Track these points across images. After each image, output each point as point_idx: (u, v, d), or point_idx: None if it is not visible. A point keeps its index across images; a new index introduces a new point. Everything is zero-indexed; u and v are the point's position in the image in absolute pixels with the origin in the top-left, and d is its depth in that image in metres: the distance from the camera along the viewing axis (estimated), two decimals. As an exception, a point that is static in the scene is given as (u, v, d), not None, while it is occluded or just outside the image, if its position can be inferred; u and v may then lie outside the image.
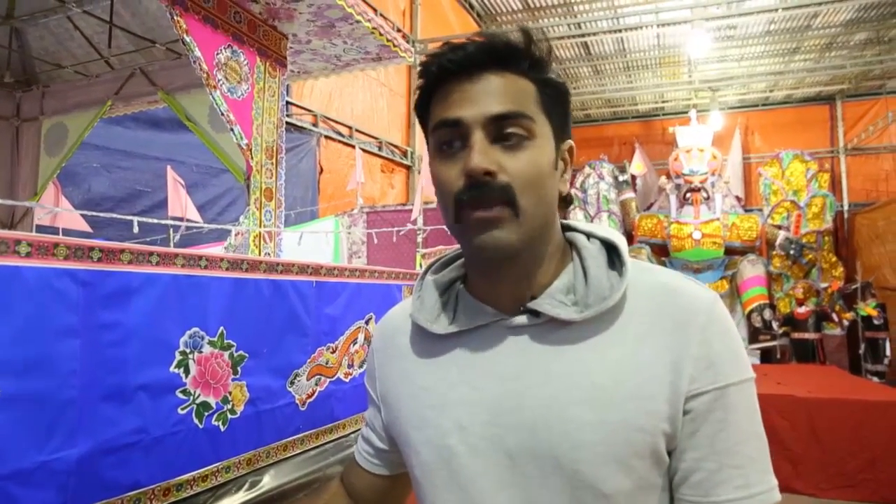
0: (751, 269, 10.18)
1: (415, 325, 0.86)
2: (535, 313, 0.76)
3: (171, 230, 4.16)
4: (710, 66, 11.10)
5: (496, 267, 0.78)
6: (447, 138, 0.74)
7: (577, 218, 11.65)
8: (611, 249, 0.78)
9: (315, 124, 6.71)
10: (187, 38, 2.02)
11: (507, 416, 0.73)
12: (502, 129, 0.71)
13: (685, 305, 0.73)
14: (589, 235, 0.81)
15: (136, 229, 1.55)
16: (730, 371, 0.70)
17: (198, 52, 2.06)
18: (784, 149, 10.96)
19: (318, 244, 4.83)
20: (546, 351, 0.75)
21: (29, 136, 3.36)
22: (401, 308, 0.94)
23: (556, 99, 0.77)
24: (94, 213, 1.57)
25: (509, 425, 0.73)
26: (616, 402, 0.70)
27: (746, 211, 11.03)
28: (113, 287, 1.26)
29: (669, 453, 0.71)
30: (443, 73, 0.74)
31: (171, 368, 1.40)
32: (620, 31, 9.00)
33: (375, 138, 7.85)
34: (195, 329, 1.45)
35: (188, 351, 1.44)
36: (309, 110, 6.59)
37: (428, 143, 0.81)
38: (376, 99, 8.00)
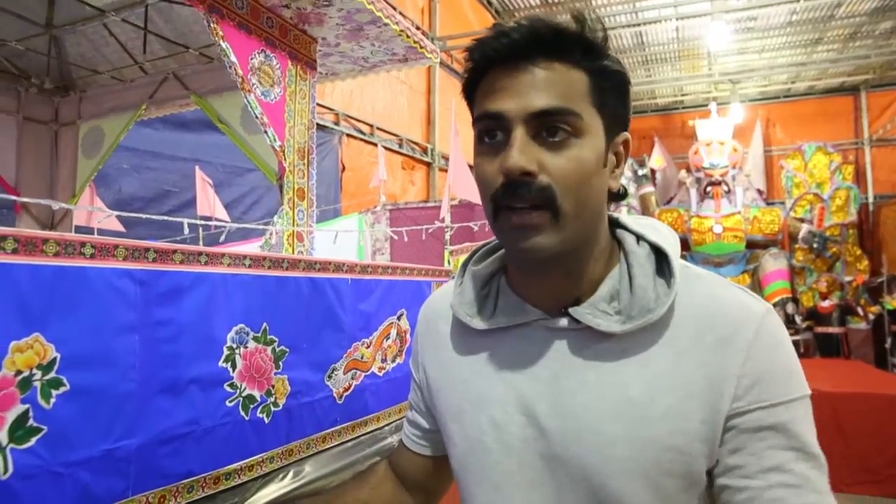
0: (773, 263, 10.10)
1: (455, 317, 0.83)
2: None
3: (201, 229, 4.27)
4: (730, 59, 10.99)
5: (538, 268, 0.74)
6: (488, 130, 0.70)
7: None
8: (661, 255, 0.73)
9: (337, 123, 6.79)
10: (223, 44, 2.09)
11: (542, 420, 0.72)
12: (546, 126, 0.67)
13: (731, 320, 0.67)
14: (639, 238, 0.76)
15: (186, 230, 1.63)
16: (779, 389, 0.66)
17: (233, 58, 2.13)
18: (807, 141, 10.84)
19: (341, 241, 4.91)
20: (584, 358, 0.71)
21: (67, 139, 3.47)
22: (442, 293, 0.93)
23: (611, 90, 0.72)
24: (149, 216, 1.64)
25: (543, 428, 0.71)
26: (649, 419, 0.66)
27: (768, 204, 10.93)
28: (166, 286, 1.34)
29: (709, 473, 0.67)
30: (487, 62, 0.70)
31: (220, 363, 1.47)
32: (639, 24, 8.96)
33: (396, 136, 7.91)
34: (241, 325, 1.52)
35: (235, 346, 1.51)
36: (331, 109, 6.67)
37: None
38: (396, 96, 8.07)
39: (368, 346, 2.01)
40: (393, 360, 2.16)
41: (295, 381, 1.70)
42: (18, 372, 1.05)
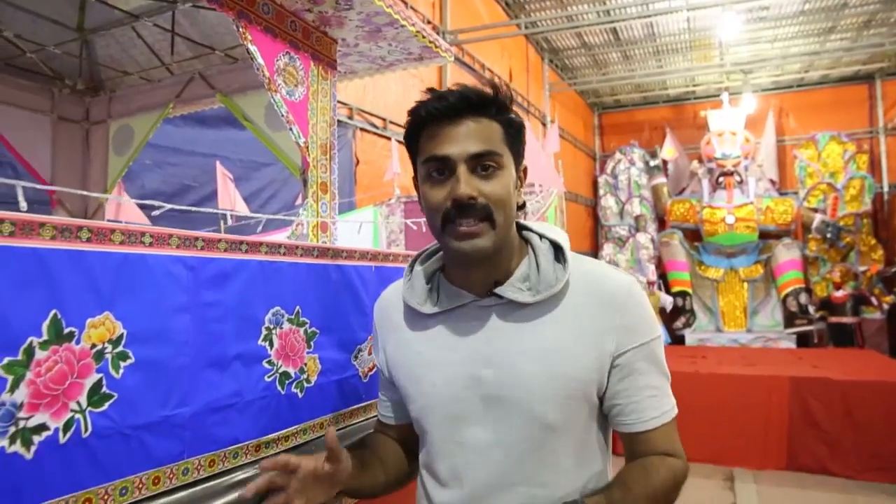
0: (786, 253, 10.13)
1: (406, 305, 1.15)
2: (499, 296, 1.03)
3: (222, 222, 4.43)
4: (742, 48, 10.97)
5: (474, 264, 1.04)
6: (438, 168, 1.00)
7: (608, 204, 11.70)
8: (557, 247, 1.05)
9: (350, 117, 6.93)
10: (251, 48, 2.23)
11: (481, 371, 1.02)
12: (480, 163, 0.97)
13: (609, 288, 1.02)
14: (541, 236, 1.09)
15: (223, 223, 1.77)
16: (645, 333, 1.01)
17: (260, 60, 2.26)
18: (820, 130, 10.82)
19: (358, 233, 5.05)
20: (508, 324, 1.03)
21: (98, 137, 3.63)
22: (393, 289, 1.27)
23: (515, 134, 1.03)
24: (200, 210, 1.78)
25: (482, 378, 1.01)
26: (559, 360, 0.99)
27: (781, 194, 10.94)
28: (213, 271, 1.48)
29: (601, 397, 1.02)
30: (429, 117, 1.00)
31: (259, 342, 1.61)
32: (650, 16, 8.99)
33: (409, 130, 8.02)
34: (277, 308, 1.66)
35: (272, 327, 1.65)
36: (345, 104, 6.80)
37: (416, 169, 1.09)
38: (408, 90, 8.18)
39: (391, 329, 2.15)
40: (413, 343, 2.30)
41: (325, 360, 1.84)
42: (93, 345, 1.19)
